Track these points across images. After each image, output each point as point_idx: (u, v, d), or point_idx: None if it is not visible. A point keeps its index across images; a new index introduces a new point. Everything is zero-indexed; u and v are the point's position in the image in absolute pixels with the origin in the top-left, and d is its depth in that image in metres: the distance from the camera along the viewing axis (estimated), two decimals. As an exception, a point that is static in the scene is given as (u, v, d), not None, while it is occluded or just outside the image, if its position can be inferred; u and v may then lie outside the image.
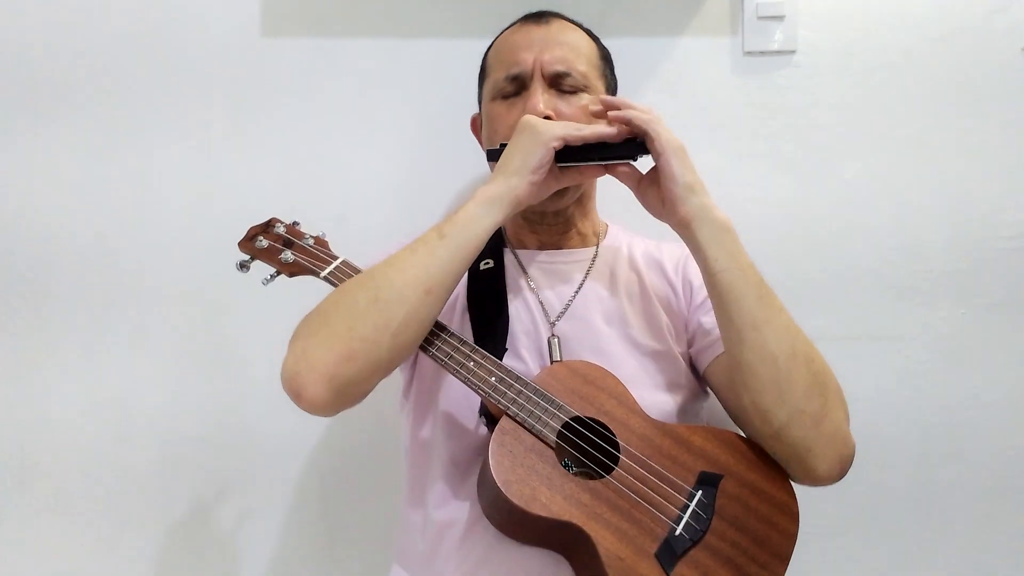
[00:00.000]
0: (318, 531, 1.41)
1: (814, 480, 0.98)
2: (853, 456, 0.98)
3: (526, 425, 0.96)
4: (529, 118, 1.04)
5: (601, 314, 1.12)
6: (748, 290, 0.98)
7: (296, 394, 0.93)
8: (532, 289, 1.14)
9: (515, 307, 1.12)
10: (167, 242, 1.40)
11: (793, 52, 1.41)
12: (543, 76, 1.10)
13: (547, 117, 1.07)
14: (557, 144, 1.01)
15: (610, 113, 1.03)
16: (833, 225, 1.41)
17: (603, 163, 1.05)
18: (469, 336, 1.09)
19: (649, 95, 1.40)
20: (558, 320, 1.11)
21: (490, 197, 1.00)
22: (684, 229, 1.02)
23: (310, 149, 1.41)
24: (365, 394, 0.98)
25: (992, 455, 1.39)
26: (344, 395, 0.95)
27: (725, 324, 1.00)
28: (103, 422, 1.39)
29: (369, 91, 1.41)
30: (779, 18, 1.40)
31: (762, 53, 1.41)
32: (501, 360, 1.05)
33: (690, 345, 1.13)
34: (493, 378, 0.98)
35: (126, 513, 1.39)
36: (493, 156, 1.07)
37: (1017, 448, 1.40)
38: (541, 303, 1.13)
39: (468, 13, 1.40)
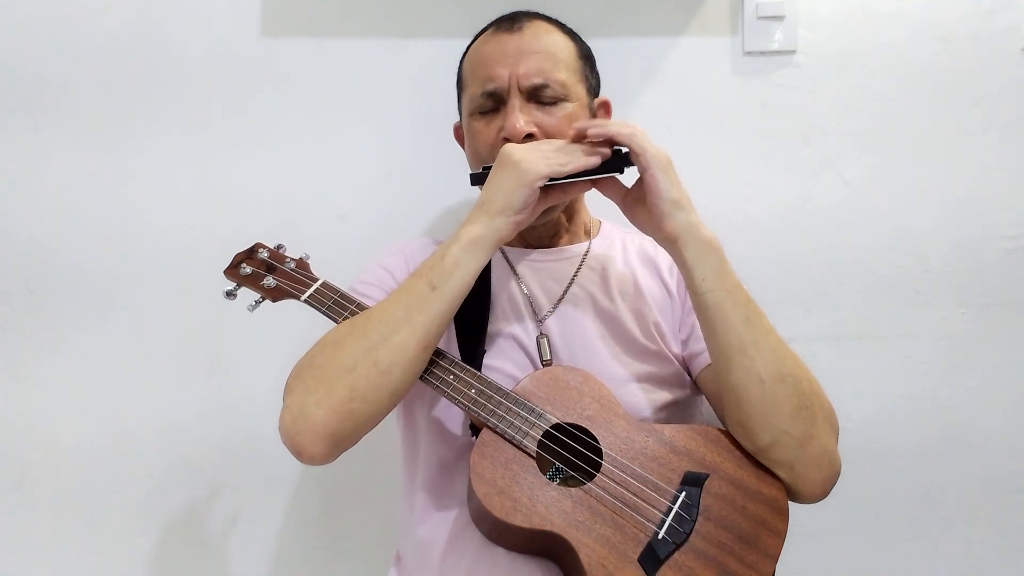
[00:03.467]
0: (317, 532, 1.41)
1: (795, 498, 0.98)
2: (838, 476, 0.97)
3: (506, 436, 0.96)
4: (512, 150, 0.99)
5: (592, 312, 1.11)
6: (735, 311, 0.97)
7: (297, 452, 0.93)
8: (520, 287, 1.13)
9: (502, 307, 1.11)
10: (166, 242, 1.40)
11: (793, 52, 1.41)
12: (520, 91, 1.07)
13: (529, 135, 1.05)
14: (541, 183, 0.97)
15: (591, 131, 1.00)
16: (833, 225, 1.41)
17: (589, 179, 1.02)
18: (452, 335, 1.08)
19: (649, 95, 1.40)
20: (547, 318, 1.10)
21: (473, 239, 0.97)
22: (670, 245, 1.00)
23: (310, 149, 1.41)
24: (359, 440, 0.97)
25: (992, 455, 1.40)
26: (341, 447, 0.95)
27: (711, 345, 1.00)
28: (102, 422, 1.39)
29: (369, 91, 1.41)
30: (779, 18, 1.40)
31: (762, 53, 1.41)
32: (482, 360, 1.05)
33: (684, 347, 1.12)
34: (472, 390, 0.98)
35: (125, 513, 1.39)
36: (476, 181, 1.05)
37: (1017, 448, 1.40)
38: (530, 301, 1.11)
39: (468, 13, 1.39)
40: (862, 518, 1.39)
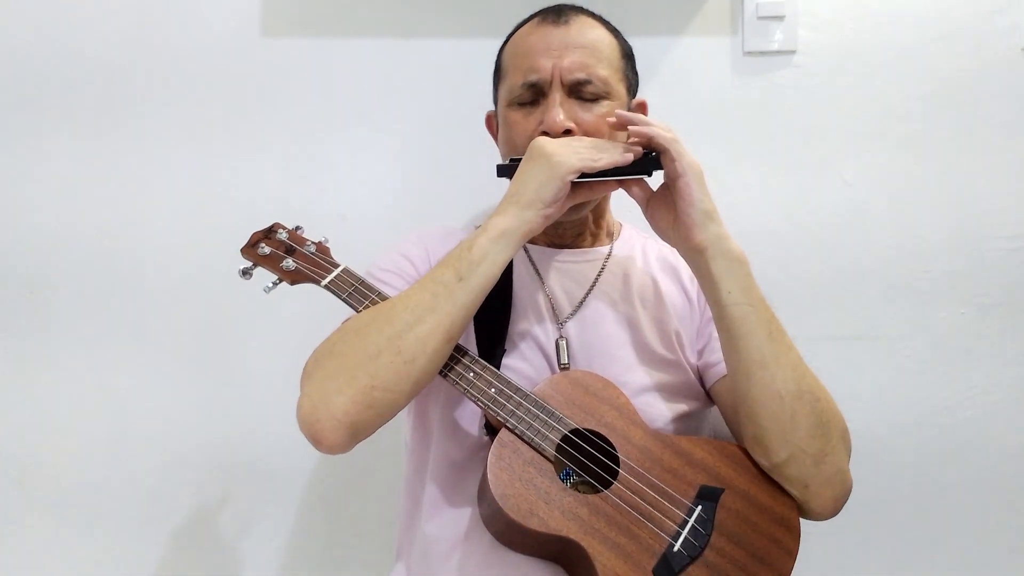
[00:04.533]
0: (319, 532, 1.40)
1: (806, 515, 0.98)
2: (849, 495, 0.98)
3: (524, 438, 0.95)
4: (544, 144, 0.99)
5: (612, 317, 1.10)
6: (759, 326, 0.96)
7: (315, 440, 0.92)
8: (543, 288, 1.12)
9: (524, 307, 1.10)
10: (167, 243, 1.40)
11: (793, 52, 1.41)
12: (562, 84, 1.06)
13: (567, 130, 1.04)
14: (573, 177, 0.97)
15: (631, 128, 0.99)
16: (833, 225, 1.41)
17: (617, 178, 1.02)
18: (472, 333, 1.08)
19: (649, 95, 1.39)
20: (567, 321, 1.09)
21: (502, 231, 0.97)
22: (697, 256, 0.99)
23: (310, 149, 1.41)
24: (376, 430, 0.96)
25: (992, 455, 1.39)
26: (360, 436, 0.94)
27: (732, 359, 0.99)
28: (104, 423, 1.39)
29: (369, 91, 1.41)
30: (779, 18, 1.40)
31: (762, 53, 1.41)
32: (502, 360, 1.05)
33: (699, 357, 1.12)
34: (492, 390, 0.97)
35: (126, 514, 1.39)
36: (504, 173, 1.04)
37: (1017, 448, 1.40)
38: (551, 303, 1.11)
39: (469, 13, 1.40)
40: (862, 518, 1.39)
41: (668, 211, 1.01)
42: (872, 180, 1.41)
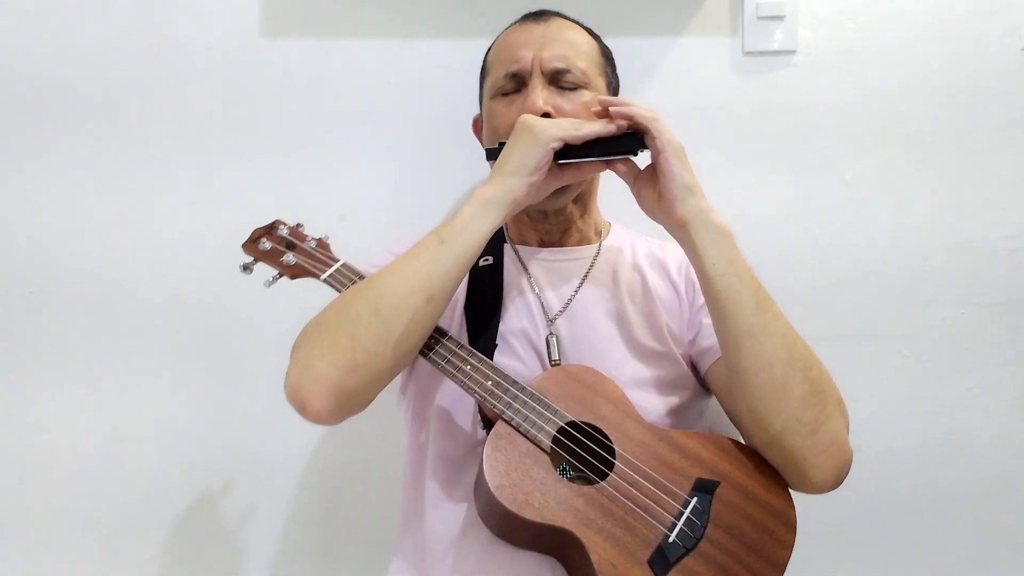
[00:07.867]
0: (318, 531, 1.41)
1: (809, 488, 0.97)
2: (850, 465, 0.97)
3: (521, 430, 0.96)
4: (527, 118, 1.02)
5: (601, 313, 1.11)
6: (745, 296, 0.97)
7: (301, 406, 0.93)
8: (532, 286, 1.13)
9: (514, 305, 1.11)
10: (166, 244, 1.39)
11: (793, 52, 1.41)
12: (542, 73, 1.09)
13: (546, 114, 1.06)
14: (556, 145, 0.99)
15: (612, 109, 1.01)
16: (833, 225, 1.41)
17: (603, 159, 1.03)
18: (464, 330, 1.09)
19: (649, 95, 1.40)
20: (557, 318, 1.10)
21: (487, 199, 0.99)
22: (680, 230, 1.00)
23: (310, 149, 1.41)
24: (368, 402, 0.98)
25: (992, 455, 1.40)
26: (348, 405, 0.95)
27: (721, 330, 1.00)
28: (103, 424, 1.39)
29: (369, 91, 1.41)
30: (779, 18, 1.40)
31: (762, 53, 1.41)
32: (492, 356, 1.05)
33: (691, 346, 1.13)
34: (489, 382, 0.98)
35: (126, 514, 1.39)
36: (492, 155, 1.06)
37: (1017, 448, 1.40)
38: (540, 301, 1.12)
39: (468, 13, 1.40)
40: (862, 518, 1.39)
41: (653, 189, 1.03)
42: (872, 180, 1.41)
